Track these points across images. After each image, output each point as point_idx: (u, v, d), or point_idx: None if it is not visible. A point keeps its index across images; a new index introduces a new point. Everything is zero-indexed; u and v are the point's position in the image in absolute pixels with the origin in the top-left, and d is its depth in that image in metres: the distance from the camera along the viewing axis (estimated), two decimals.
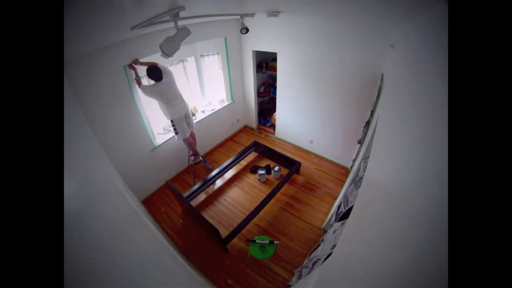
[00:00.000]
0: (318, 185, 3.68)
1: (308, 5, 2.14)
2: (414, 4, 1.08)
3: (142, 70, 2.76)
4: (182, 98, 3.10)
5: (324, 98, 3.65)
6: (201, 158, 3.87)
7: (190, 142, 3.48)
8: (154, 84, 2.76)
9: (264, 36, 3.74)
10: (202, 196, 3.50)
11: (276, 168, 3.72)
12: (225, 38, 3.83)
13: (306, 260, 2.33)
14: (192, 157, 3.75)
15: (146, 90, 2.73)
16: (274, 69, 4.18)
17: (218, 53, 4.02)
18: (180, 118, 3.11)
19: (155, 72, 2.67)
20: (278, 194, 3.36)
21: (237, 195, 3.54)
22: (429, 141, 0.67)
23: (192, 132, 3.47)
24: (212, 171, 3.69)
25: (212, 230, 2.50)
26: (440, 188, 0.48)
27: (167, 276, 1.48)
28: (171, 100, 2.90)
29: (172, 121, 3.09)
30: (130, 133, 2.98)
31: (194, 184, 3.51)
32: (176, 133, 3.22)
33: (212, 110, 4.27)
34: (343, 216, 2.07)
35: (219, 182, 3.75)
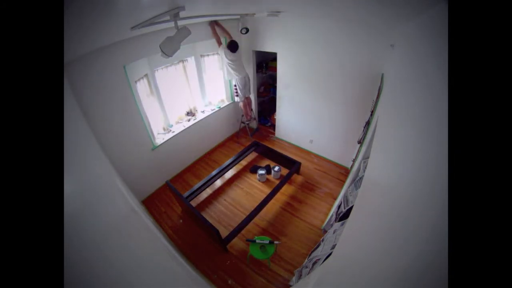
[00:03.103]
0: (318, 185, 3.68)
1: (308, 5, 2.14)
2: (414, 4, 1.07)
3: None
4: (245, 71, 3.97)
5: (324, 98, 3.65)
6: (247, 122, 4.64)
7: (244, 104, 4.27)
8: (229, 51, 3.62)
9: (264, 36, 3.74)
10: (202, 196, 3.50)
11: (276, 168, 3.72)
12: (225, 38, 3.83)
13: (306, 260, 2.33)
14: (244, 118, 4.51)
15: (224, 49, 3.58)
16: (274, 69, 4.18)
17: (218, 53, 4.02)
18: (242, 83, 3.97)
19: (233, 45, 3.61)
20: (278, 194, 3.36)
21: (237, 195, 3.54)
22: (429, 141, 0.67)
23: (248, 97, 4.30)
24: (253, 138, 4.60)
25: (212, 230, 2.50)
26: (440, 188, 0.48)
27: (167, 276, 1.47)
28: (236, 68, 3.78)
29: (235, 85, 4.07)
30: (130, 133, 2.98)
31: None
32: (237, 95, 4.24)
33: (212, 110, 4.27)
34: (343, 216, 2.07)
35: (219, 182, 3.75)
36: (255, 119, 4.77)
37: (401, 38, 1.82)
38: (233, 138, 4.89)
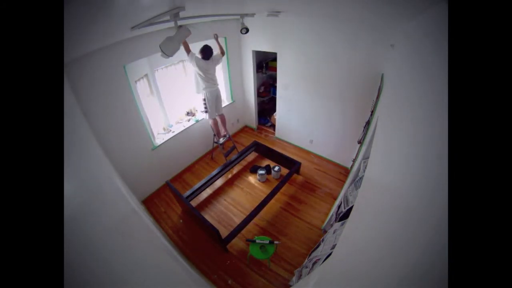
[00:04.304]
0: (318, 185, 3.68)
1: (308, 5, 2.14)
2: (414, 4, 1.08)
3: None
4: (217, 83, 3.53)
5: (324, 98, 3.65)
6: (221, 141, 3.97)
7: (215, 123, 3.81)
8: (200, 59, 3.18)
9: (264, 36, 3.74)
10: (202, 196, 3.50)
11: (276, 168, 3.72)
12: (225, 38, 3.83)
13: (306, 260, 2.33)
14: (216, 138, 3.99)
15: (193, 57, 3.10)
16: (274, 69, 4.18)
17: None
18: (212, 98, 3.51)
19: (206, 50, 3.19)
20: (278, 194, 3.36)
21: (237, 195, 3.54)
22: (429, 140, 0.67)
23: (221, 115, 3.84)
24: (227, 159, 3.87)
25: (212, 230, 2.50)
26: (440, 188, 0.48)
27: (167, 276, 1.47)
28: (207, 79, 3.33)
29: (204, 99, 3.52)
30: (130, 133, 2.98)
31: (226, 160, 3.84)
32: (206, 112, 3.64)
33: None
34: (343, 216, 2.07)
35: (219, 182, 3.75)
36: (229, 137, 4.03)
37: (401, 38, 1.82)
38: (233, 138, 4.88)
